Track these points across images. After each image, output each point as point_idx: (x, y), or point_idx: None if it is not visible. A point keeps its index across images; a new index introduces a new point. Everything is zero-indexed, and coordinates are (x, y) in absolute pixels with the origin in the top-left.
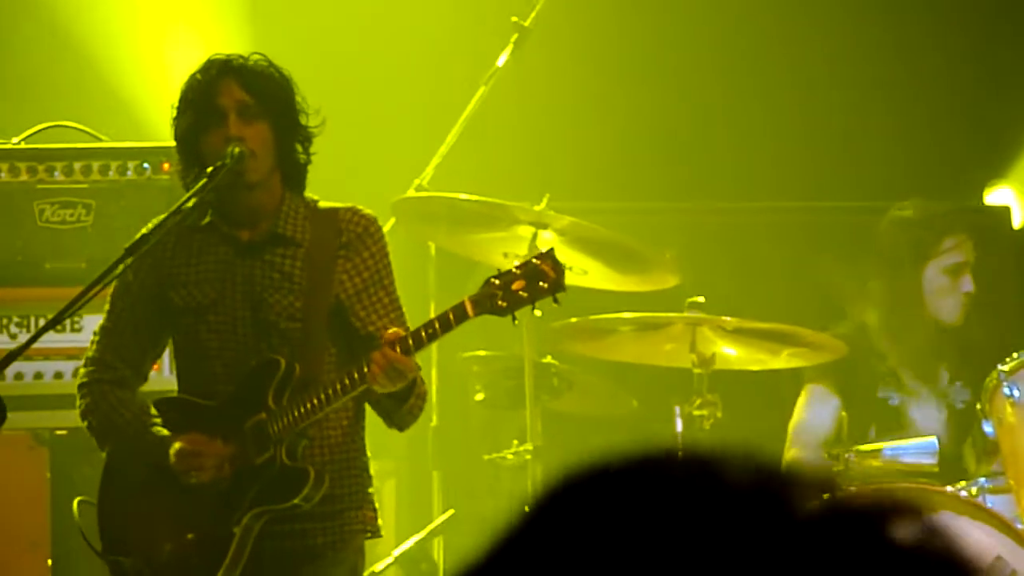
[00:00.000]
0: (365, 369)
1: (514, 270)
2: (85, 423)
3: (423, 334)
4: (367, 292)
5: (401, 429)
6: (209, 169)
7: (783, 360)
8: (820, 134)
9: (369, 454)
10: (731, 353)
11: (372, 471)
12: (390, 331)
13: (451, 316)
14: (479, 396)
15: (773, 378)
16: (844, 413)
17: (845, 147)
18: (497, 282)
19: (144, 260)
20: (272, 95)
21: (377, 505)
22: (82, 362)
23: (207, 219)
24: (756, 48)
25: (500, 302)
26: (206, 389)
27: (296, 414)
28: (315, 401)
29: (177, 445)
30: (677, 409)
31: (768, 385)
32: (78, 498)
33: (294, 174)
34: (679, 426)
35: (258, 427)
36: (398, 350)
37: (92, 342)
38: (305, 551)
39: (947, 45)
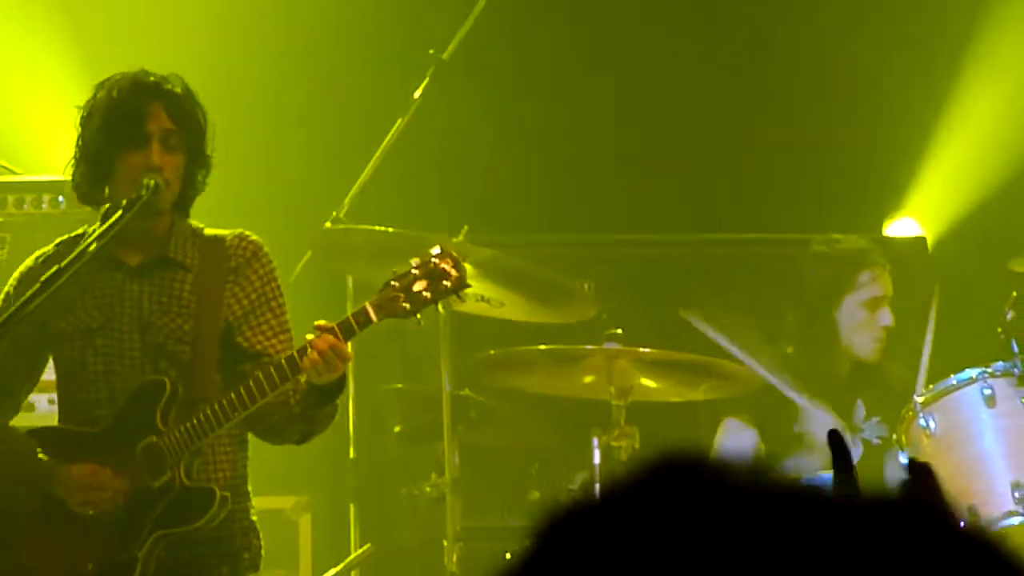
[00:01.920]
0: (290, 362)
1: (413, 271)
2: None
3: None
4: (254, 313)
5: (307, 438)
6: (124, 201)
7: (701, 392)
8: (734, 167)
9: (278, 487)
10: (650, 384)
11: (288, 504)
12: (316, 324)
13: (353, 322)
14: (396, 428)
15: (691, 409)
16: (761, 445)
17: (759, 180)
18: (397, 284)
19: (30, 282)
20: (193, 126)
21: (292, 538)
22: None
23: (94, 242)
24: (674, 81)
25: (403, 304)
26: (88, 414)
27: (189, 431)
28: (213, 416)
29: (69, 475)
30: (595, 440)
31: (686, 417)
32: None
33: (188, 200)
34: (597, 457)
35: (150, 449)
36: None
37: None
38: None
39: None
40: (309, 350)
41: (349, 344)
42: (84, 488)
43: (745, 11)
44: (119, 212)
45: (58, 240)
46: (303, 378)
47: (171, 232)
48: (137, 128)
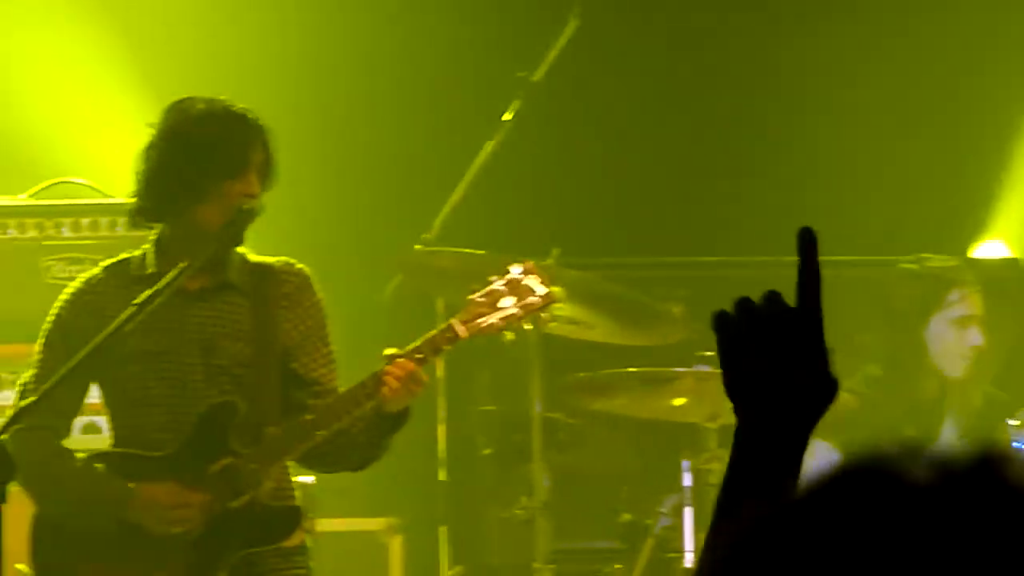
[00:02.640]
0: (364, 391)
1: (499, 287)
2: (20, 474)
3: (412, 359)
4: (310, 340)
5: (364, 465)
6: (218, 225)
7: None
8: (824, 189)
9: (369, 510)
10: None
11: (379, 527)
12: (387, 353)
13: (440, 339)
14: (487, 451)
15: None
16: None
17: (850, 202)
18: (484, 300)
19: (82, 305)
20: (272, 159)
21: (382, 560)
22: (10, 412)
23: (150, 268)
24: (765, 101)
25: (491, 320)
26: (147, 438)
27: (271, 453)
28: (294, 438)
29: (149, 495)
30: (686, 463)
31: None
32: (16, 565)
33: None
34: (687, 480)
35: (226, 471)
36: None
37: (21, 391)
38: None
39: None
40: (387, 377)
41: (439, 366)
42: (167, 507)
43: (835, 30)
44: (216, 235)
45: (103, 264)
46: (369, 404)
47: (228, 258)
48: (241, 157)
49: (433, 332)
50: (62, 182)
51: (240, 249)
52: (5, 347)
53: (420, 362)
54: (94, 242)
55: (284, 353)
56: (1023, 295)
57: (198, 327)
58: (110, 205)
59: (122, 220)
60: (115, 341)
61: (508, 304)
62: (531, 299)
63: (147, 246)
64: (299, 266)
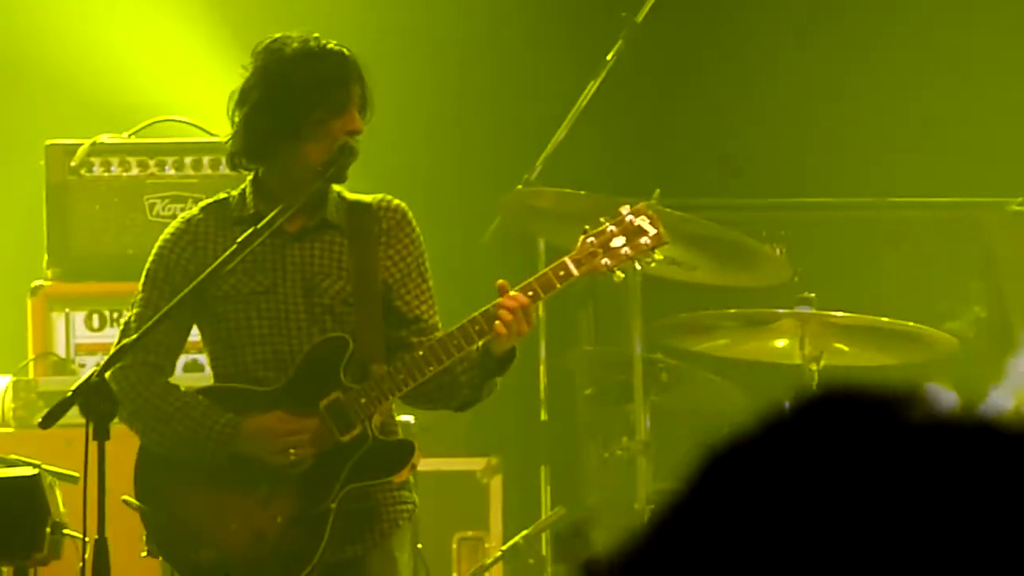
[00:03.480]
0: (471, 330)
1: (610, 228)
2: (124, 408)
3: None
4: (410, 277)
5: (465, 407)
6: (320, 163)
7: (895, 356)
8: (930, 130)
9: (469, 450)
10: (842, 349)
11: (479, 466)
12: (501, 283)
13: (553, 277)
14: (587, 391)
15: (884, 374)
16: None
17: (957, 142)
18: (595, 240)
19: (184, 244)
20: (369, 95)
21: (483, 500)
22: (114, 348)
23: (250, 207)
24: (872, 40)
25: (602, 259)
26: (253, 376)
27: (382, 388)
28: (405, 374)
29: (260, 426)
30: (787, 404)
31: (880, 381)
32: (123, 497)
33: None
34: None
35: (335, 405)
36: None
37: (123, 329)
38: (386, 523)
39: None
40: (501, 311)
41: (541, 307)
42: (279, 435)
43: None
44: (319, 172)
45: (202, 203)
46: (481, 341)
47: (326, 197)
48: (342, 95)
49: (545, 270)
50: (164, 120)
51: (336, 187)
52: (109, 284)
53: (532, 299)
54: (196, 180)
55: (385, 290)
56: None
57: (299, 266)
58: (212, 144)
59: (225, 157)
60: (216, 280)
61: (619, 244)
62: (642, 240)
63: (245, 185)
64: (396, 202)
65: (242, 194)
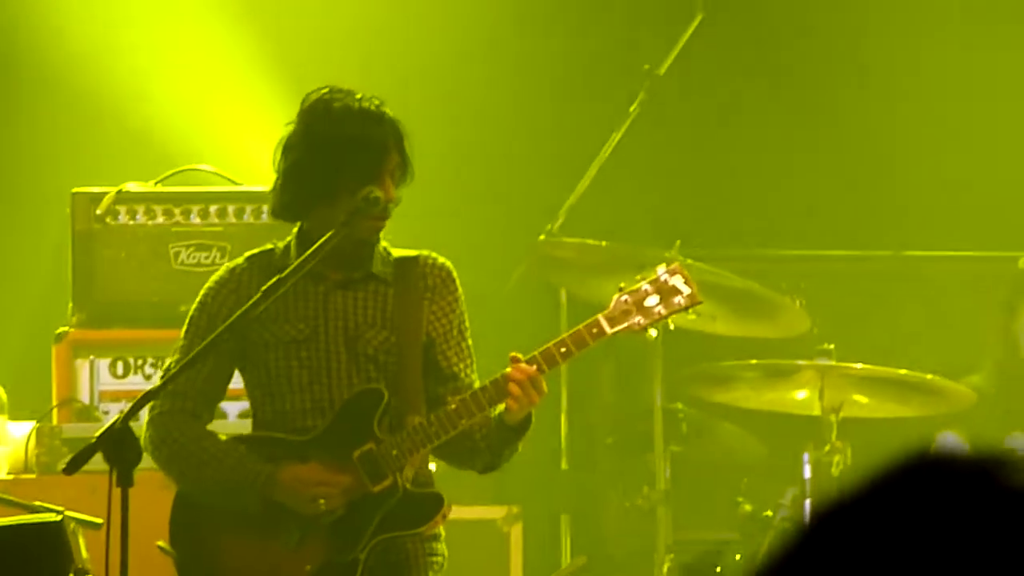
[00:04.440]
0: (489, 394)
1: (645, 287)
2: (159, 455)
3: (556, 353)
4: (451, 335)
5: (490, 469)
6: (345, 217)
7: (913, 408)
8: (949, 184)
9: (490, 498)
10: (861, 400)
11: (500, 515)
12: (513, 355)
13: (586, 334)
14: (608, 440)
15: (904, 426)
16: None
17: (975, 196)
18: (629, 298)
19: (227, 294)
20: (409, 160)
21: (503, 549)
22: (154, 393)
23: (293, 257)
24: (891, 93)
25: (636, 318)
26: (292, 424)
27: (414, 441)
28: (435, 428)
29: (293, 475)
30: (806, 456)
31: (897, 433)
32: (158, 543)
33: None
34: (807, 472)
35: (368, 456)
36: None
37: (165, 374)
38: (415, 574)
39: None
40: (510, 384)
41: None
42: (311, 485)
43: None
44: (343, 223)
45: (248, 254)
46: (493, 412)
47: (372, 251)
48: (377, 164)
49: (579, 327)
50: (191, 169)
51: (383, 243)
52: (134, 332)
53: (564, 355)
54: (221, 229)
55: (428, 344)
56: None
57: (342, 315)
58: (238, 192)
59: (250, 208)
60: (258, 327)
61: (653, 303)
62: (676, 299)
63: (290, 238)
64: (442, 260)
65: (287, 246)
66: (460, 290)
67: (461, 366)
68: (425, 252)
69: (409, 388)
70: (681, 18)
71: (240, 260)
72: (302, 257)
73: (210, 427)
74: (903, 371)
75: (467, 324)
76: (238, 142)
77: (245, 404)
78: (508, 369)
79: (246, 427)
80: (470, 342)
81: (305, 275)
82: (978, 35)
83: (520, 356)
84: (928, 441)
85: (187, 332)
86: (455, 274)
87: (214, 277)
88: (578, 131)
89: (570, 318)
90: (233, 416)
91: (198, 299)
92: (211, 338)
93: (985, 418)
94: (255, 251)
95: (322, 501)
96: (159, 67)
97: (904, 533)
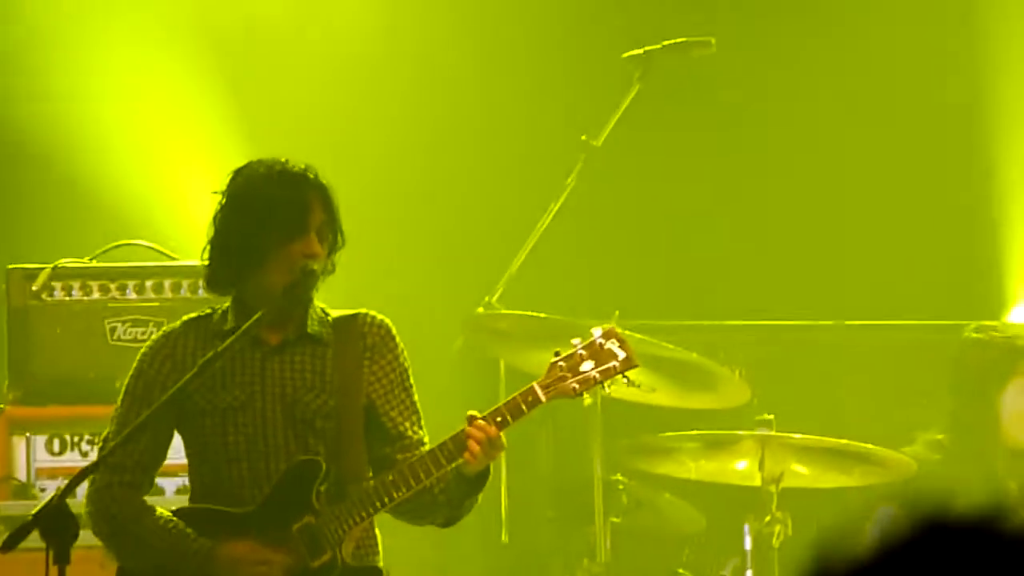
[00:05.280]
0: (447, 450)
1: (580, 352)
2: (98, 530)
3: (490, 421)
4: (394, 394)
5: (451, 523)
6: (282, 285)
7: (855, 478)
8: (883, 253)
9: (431, 572)
10: (801, 471)
11: None
12: (470, 414)
13: (521, 402)
14: (549, 513)
15: (843, 496)
16: None
17: (909, 266)
18: (564, 364)
19: (163, 359)
20: (336, 218)
21: None
22: (92, 468)
23: (229, 323)
24: (828, 168)
25: (572, 384)
26: (230, 493)
27: (353, 512)
28: (376, 496)
29: (231, 552)
30: (747, 527)
31: (838, 504)
32: None
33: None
34: (748, 543)
35: (307, 529)
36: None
37: (103, 445)
38: None
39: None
40: (470, 441)
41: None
42: (248, 564)
43: (880, 100)
44: (281, 294)
45: (185, 318)
46: (451, 466)
47: (307, 312)
48: (300, 219)
49: (514, 395)
50: (126, 244)
51: (319, 304)
52: (71, 408)
53: (501, 425)
54: (158, 303)
55: (369, 406)
56: None
57: (279, 380)
58: (173, 267)
59: (187, 282)
60: (194, 395)
61: (588, 368)
62: (611, 364)
63: (227, 304)
64: (380, 318)
65: (225, 311)
66: (401, 346)
67: (407, 424)
68: (363, 311)
69: (349, 453)
70: (618, 89)
71: (176, 324)
72: (241, 329)
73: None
74: (843, 441)
75: (411, 381)
76: (173, 217)
77: (182, 480)
78: (468, 427)
79: (183, 503)
80: (416, 398)
81: (243, 341)
82: (922, 94)
83: (478, 414)
84: (869, 512)
85: (123, 400)
86: (395, 331)
87: (149, 343)
88: (516, 202)
89: (509, 389)
90: (171, 492)
91: (134, 365)
92: (148, 412)
93: (924, 491)
94: (193, 315)
95: None
96: (94, 142)
97: None
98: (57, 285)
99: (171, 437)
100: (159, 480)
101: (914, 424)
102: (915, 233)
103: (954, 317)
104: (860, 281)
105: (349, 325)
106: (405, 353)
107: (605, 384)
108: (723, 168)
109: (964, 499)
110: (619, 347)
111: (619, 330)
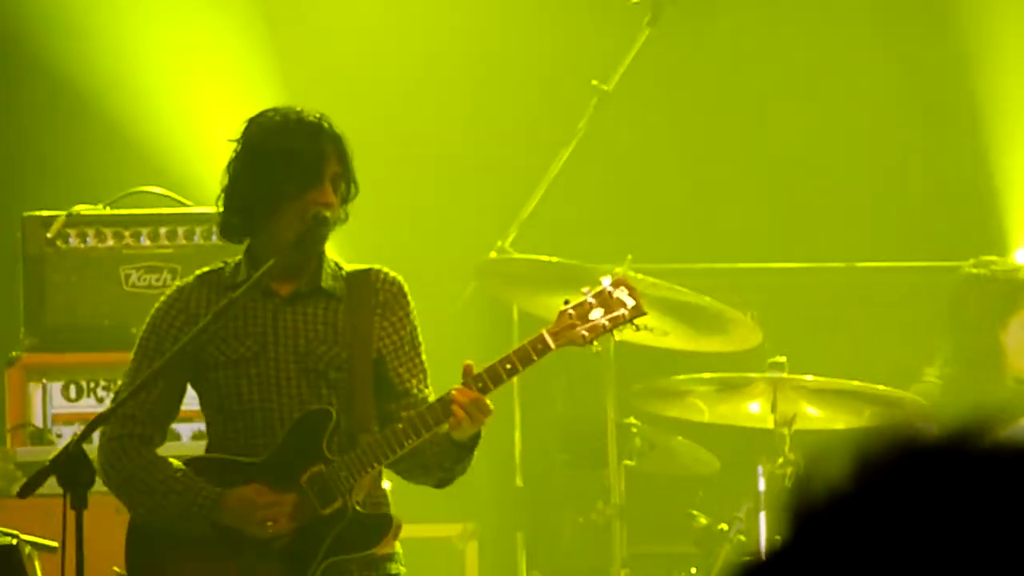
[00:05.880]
0: (435, 412)
1: (589, 300)
2: (110, 482)
3: (501, 370)
4: (403, 350)
5: (444, 484)
6: (294, 233)
7: (866, 419)
8: (899, 193)
9: (445, 515)
10: (813, 412)
11: (455, 532)
12: (466, 364)
13: (531, 350)
14: (563, 456)
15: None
16: None
17: (922, 207)
18: (573, 312)
19: (176, 313)
20: (350, 169)
21: (458, 566)
22: (104, 418)
23: (242, 276)
24: (837, 109)
25: (581, 331)
26: (244, 444)
27: (363, 462)
28: (384, 448)
29: (240, 498)
30: (760, 468)
31: (849, 444)
32: (114, 568)
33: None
34: (761, 485)
35: (317, 478)
36: (479, 387)
37: (116, 397)
38: None
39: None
40: (453, 406)
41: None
42: (258, 508)
43: (892, 43)
44: (293, 243)
45: (198, 272)
46: (443, 428)
47: (321, 264)
48: (315, 169)
49: (524, 343)
50: (140, 191)
51: (333, 258)
52: (86, 355)
53: (511, 372)
54: (171, 250)
55: (378, 360)
56: None
57: (292, 331)
58: (187, 214)
59: (200, 229)
60: (208, 346)
61: (597, 316)
62: (620, 312)
63: (240, 256)
64: (393, 275)
65: (237, 264)
66: (412, 305)
67: (413, 382)
68: (377, 266)
69: (360, 405)
70: (628, 34)
71: (190, 279)
72: (252, 279)
73: (164, 449)
74: (854, 382)
75: (420, 339)
76: (188, 164)
77: (199, 425)
78: (453, 390)
79: (199, 448)
80: (423, 357)
81: (254, 292)
82: (926, 37)
83: (473, 365)
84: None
85: (136, 354)
86: (406, 288)
87: (163, 297)
88: (527, 148)
89: (522, 334)
90: (187, 438)
91: (148, 320)
92: (161, 362)
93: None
94: (205, 269)
95: (270, 524)
96: (107, 88)
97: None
98: (72, 232)
99: (184, 390)
100: (176, 426)
101: (923, 363)
102: (923, 176)
103: (962, 258)
104: (870, 223)
105: (362, 280)
106: (415, 312)
107: (614, 331)
108: (733, 112)
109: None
110: (628, 295)
111: (629, 277)
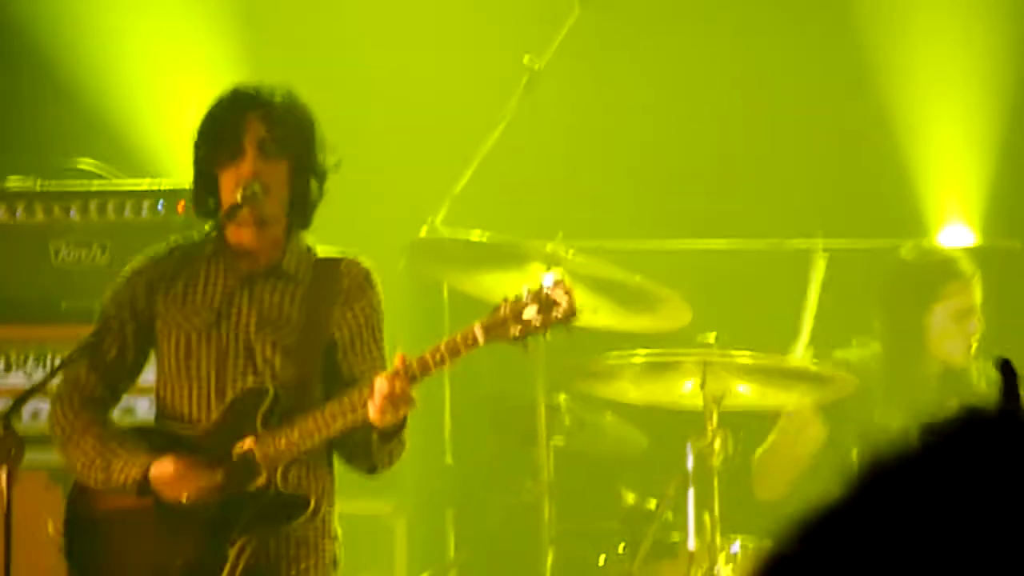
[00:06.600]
0: (361, 398)
1: (525, 298)
2: (55, 440)
3: (429, 360)
4: (360, 338)
5: (373, 471)
6: (224, 208)
7: (795, 396)
8: (823, 171)
9: (374, 492)
10: (743, 390)
11: (385, 509)
12: (398, 355)
13: (460, 342)
14: (492, 434)
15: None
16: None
17: (843, 187)
18: (508, 309)
19: (137, 283)
20: (294, 133)
21: (388, 543)
22: (59, 377)
23: (210, 248)
24: (762, 88)
25: (512, 328)
26: (188, 414)
27: (289, 440)
28: (311, 429)
29: (164, 465)
30: (689, 446)
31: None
32: (48, 526)
33: (302, 211)
34: (690, 463)
35: (247, 454)
36: (403, 375)
37: (72, 357)
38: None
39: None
40: (377, 393)
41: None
42: (179, 478)
43: (820, 19)
44: (223, 218)
45: (172, 239)
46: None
47: (287, 244)
48: (234, 140)
49: (455, 336)
50: (71, 167)
51: (308, 241)
52: (14, 328)
53: (439, 363)
54: (101, 226)
55: (331, 348)
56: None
57: (245, 311)
58: (118, 190)
59: (130, 204)
60: (163, 314)
61: (530, 315)
62: (553, 313)
63: (208, 226)
64: (364, 265)
65: (208, 234)
66: (378, 295)
67: (366, 372)
68: (350, 255)
69: (303, 390)
70: (560, 12)
71: (161, 248)
72: (192, 248)
73: (121, 420)
74: (783, 358)
75: (382, 331)
76: (118, 138)
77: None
78: (378, 377)
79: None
80: (383, 349)
81: (218, 267)
82: (845, 14)
83: (404, 356)
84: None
85: (98, 318)
86: (374, 278)
87: (130, 264)
88: (460, 122)
89: (452, 312)
90: (143, 411)
91: (113, 286)
92: (114, 328)
93: (860, 404)
94: (173, 238)
95: (185, 494)
96: (35, 63)
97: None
98: (1, 206)
99: (142, 357)
100: (133, 398)
101: (847, 343)
102: (841, 156)
103: (887, 236)
104: (795, 203)
105: (330, 267)
106: (381, 303)
107: (545, 331)
108: (662, 91)
109: (897, 406)
110: (565, 296)
111: (566, 280)
